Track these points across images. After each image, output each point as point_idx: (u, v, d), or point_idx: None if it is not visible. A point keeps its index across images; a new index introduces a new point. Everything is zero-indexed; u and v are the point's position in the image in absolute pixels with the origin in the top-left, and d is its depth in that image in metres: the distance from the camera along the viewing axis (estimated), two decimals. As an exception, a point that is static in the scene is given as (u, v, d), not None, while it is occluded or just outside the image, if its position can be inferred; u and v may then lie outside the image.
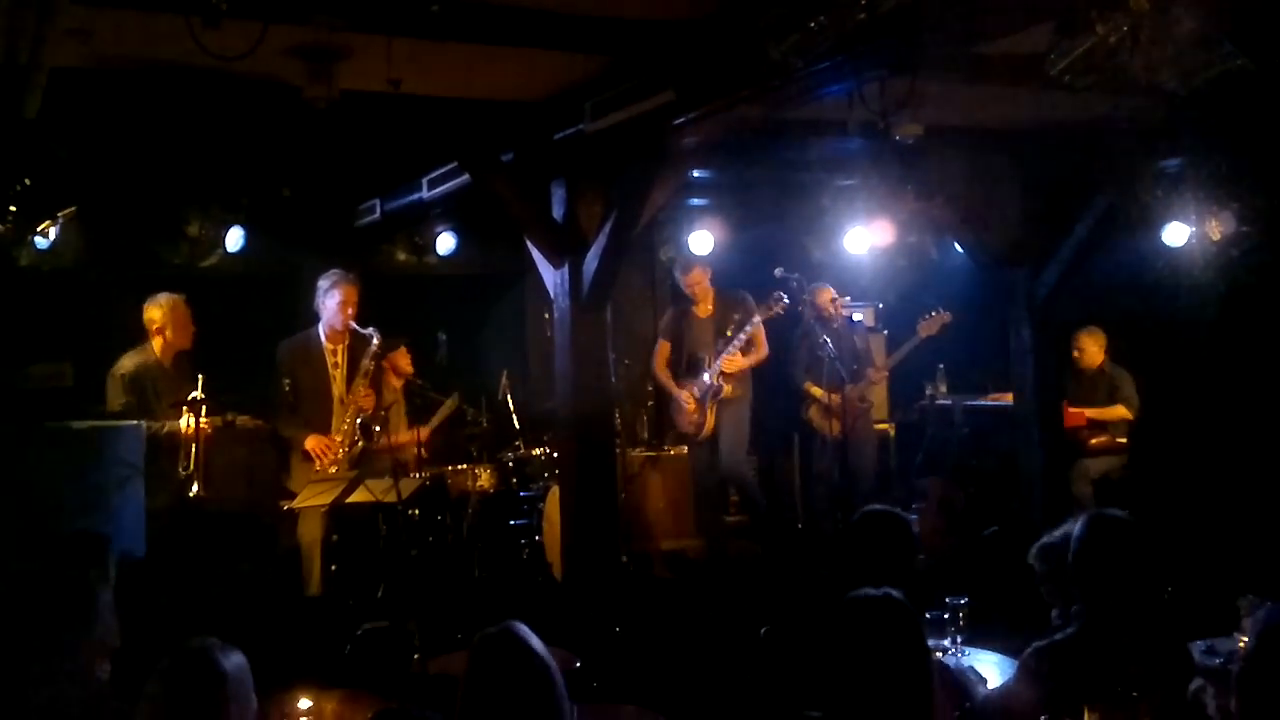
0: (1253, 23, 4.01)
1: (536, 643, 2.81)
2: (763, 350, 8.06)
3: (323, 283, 6.81)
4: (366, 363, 6.75)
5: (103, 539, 4.04)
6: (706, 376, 7.92)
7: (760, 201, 8.75)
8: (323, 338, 6.82)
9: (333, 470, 6.57)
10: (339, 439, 6.67)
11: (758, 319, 7.86)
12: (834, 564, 4.06)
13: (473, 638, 2.86)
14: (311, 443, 6.62)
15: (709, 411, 7.94)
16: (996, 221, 7.22)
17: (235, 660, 2.77)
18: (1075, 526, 3.56)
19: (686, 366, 8.06)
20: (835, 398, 7.93)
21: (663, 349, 8.24)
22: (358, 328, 6.68)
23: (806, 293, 7.87)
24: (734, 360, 7.90)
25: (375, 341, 6.68)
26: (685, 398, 8.00)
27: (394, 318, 7.98)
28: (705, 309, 8.11)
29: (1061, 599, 4.02)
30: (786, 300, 7.77)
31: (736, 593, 7.27)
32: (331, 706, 4.35)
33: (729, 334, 7.89)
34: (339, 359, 6.85)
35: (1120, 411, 8.04)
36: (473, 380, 8.35)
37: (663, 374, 8.22)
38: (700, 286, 8.04)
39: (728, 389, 7.93)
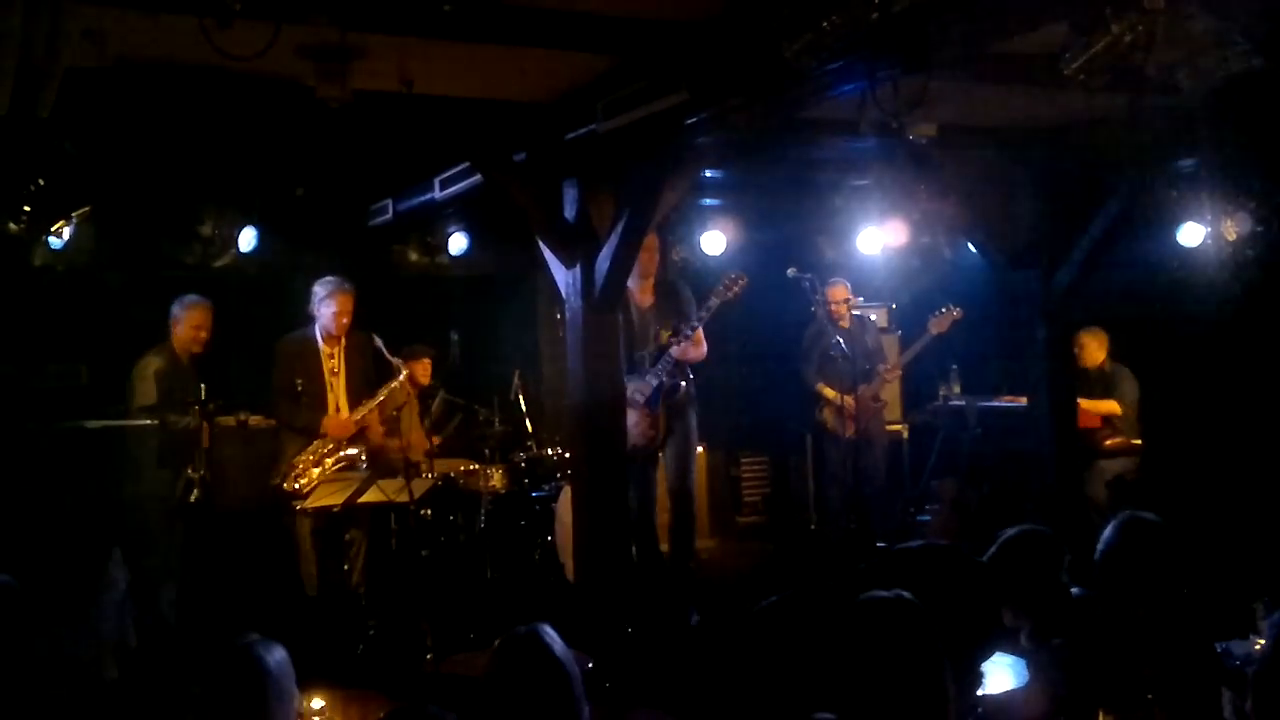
0: (1268, 21, 3.98)
1: (560, 647, 2.82)
2: (702, 347, 7.16)
3: (318, 290, 6.81)
4: (388, 398, 6.78)
5: (107, 540, 4.06)
6: (652, 377, 6.97)
7: (773, 201, 8.73)
8: (319, 340, 6.84)
9: (338, 457, 6.59)
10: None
11: (715, 301, 6.98)
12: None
13: (497, 638, 2.87)
14: (330, 424, 6.67)
15: (660, 417, 7.04)
16: (1010, 221, 7.18)
17: (278, 656, 2.79)
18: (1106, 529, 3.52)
19: (627, 370, 6.91)
20: (849, 400, 7.91)
21: None
22: (386, 353, 6.64)
23: (819, 292, 7.85)
24: (685, 350, 6.99)
25: (402, 376, 6.75)
26: (633, 404, 6.93)
27: (406, 318, 8.01)
28: (646, 297, 7.17)
29: (1031, 617, 3.92)
30: (744, 280, 7.04)
31: (749, 594, 7.26)
32: (344, 706, 4.36)
33: (683, 326, 6.97)
34: (336, 363, 6.85)
35: (1110, 406, 8.01)
36: (485, 380, 8.36)
37: None
38: (648, 256, 7.02)
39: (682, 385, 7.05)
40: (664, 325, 7.10)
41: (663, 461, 7.20)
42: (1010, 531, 3.87)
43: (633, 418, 6.93)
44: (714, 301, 7.01)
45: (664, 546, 7.29)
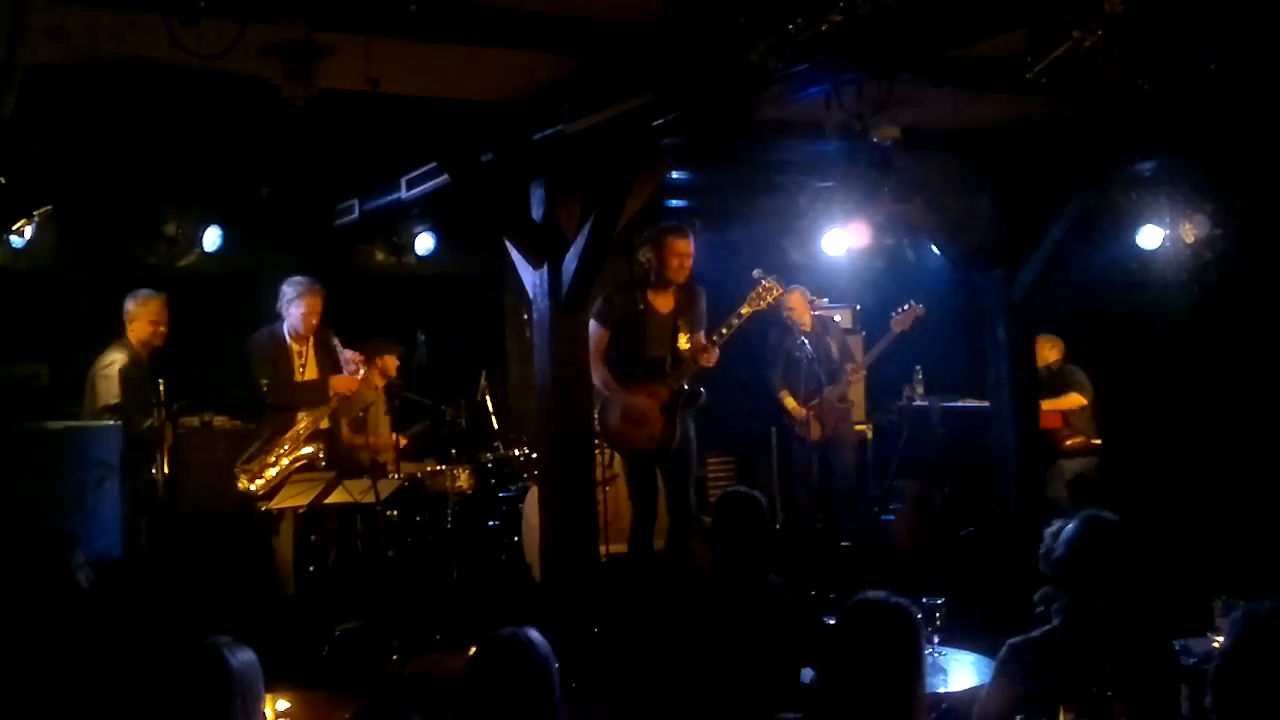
0: (1226, 27, 4.05)
1: (542, 649, 2.83)
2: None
3: (287, 290, 6.81)
4: (358, 400, 6.87)
5: (67, 538, 4.03)
6: (674, 381, 6.81)
7: (738, 203, 8.76)
8: (287, 338, 6.85)
9: (295, 456, 6.58)
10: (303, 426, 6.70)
11: (746, 309, 6.78)
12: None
13: (463, 639, 2.89)
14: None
15: (678, 421, 6.88)
16: (972, 223, 7.25)
17: (244, 658, 2.78)
18: (1068, 526, 3.58)
19: (645, 371, 6.87)
20: (804, 410, 7.96)
21: (601, 340, 6.81)
22: (343, 350, 6.74)
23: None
24: (712, 358, 6.80)
25: (361, 373, 6.83)
26: (648, 405, 6.81)
27: (372, 318, 7.98)
28: (666, 303, 6.92)
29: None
30: (778, 290, 6.86)
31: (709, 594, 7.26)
32: (309, 708, 4.34)
33: (712, 334, 6.81)
34: (305, 359, 6.88)
35: (1074, 399, 8.12)
36: (451, 381, 8.34)
37: (606, 373, 6.83)
38: (687, 263, 6.84)
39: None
40: (683, 329, 6.90)
41: (659, 468, 7.03)
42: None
43: (644, 421, 6.82)
44: (745, 310, 6.81)
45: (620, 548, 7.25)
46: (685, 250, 6.85)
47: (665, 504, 7.15)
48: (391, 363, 7.58)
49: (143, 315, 6.71)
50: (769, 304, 6.90)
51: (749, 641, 4.16)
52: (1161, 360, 8.24)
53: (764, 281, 6.85)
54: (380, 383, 7.51)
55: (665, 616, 4.62)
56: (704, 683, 4.16)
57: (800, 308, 8.15)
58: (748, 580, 4.33)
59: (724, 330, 6.85)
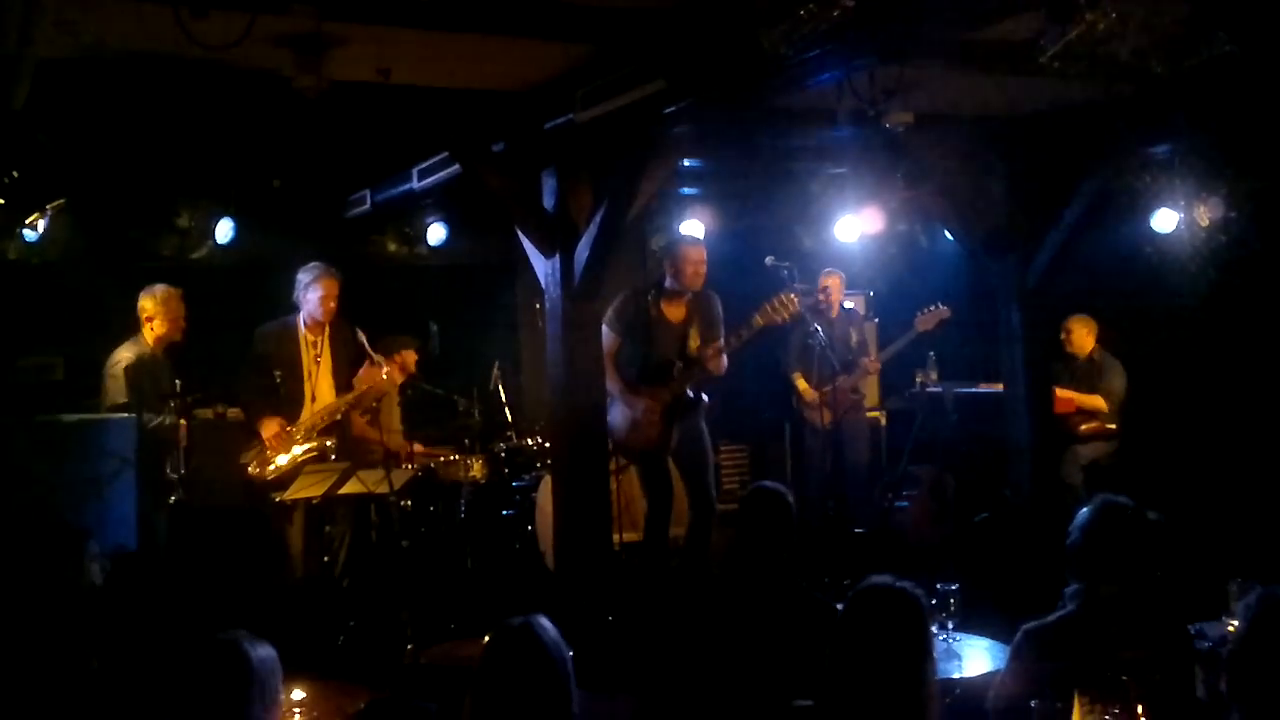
0: (1240, 8, 4.02)
1: (552, 638, 2.83)
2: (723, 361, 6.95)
3: (303, 276, 6.76)
4: (365, 394, 6.76)
5: (81, 532, 4.04)
6: (677, 386, 6.85)
7: (751, 190, 8.75)
8: (302, 327, 6.79)
9: (284, 463, 6.54)
10: (297, 432, 6.62)
11: (758, 320, 6.72)
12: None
13: (478, 628, 2.88)
14: (270, 429, 6.54)
15: (676, 425, 6.93)
16: (986, 208, 7.23)
17: (263, 653, 2.78)
18: (1082, 511, 3.57)
19: (652, 373, 6.92)
20: (818, 395, 7.94)
21: (613, 346, 6.86)
22: (369, 349, 6.65)
23: (799, 282, 7.85)
24: (720, 365, 6.86)
25: (384, 373, 6.72)
26: (648, 408, 6.85)
27: (385, 309, 7.98)
28: (677, 311, 6.98)
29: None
30: (795, 307, 6.74)
31: (721, 582, 7.27)
32: (325, 697, 4.36)
33: (718, 341, 6.84)
34: (320, 350, 6.80)
35: (1096, 401, 8.05)
36: (465, 371, 8.34)
37: (615, 376, 6.87)
38: (701, 270, 6.89)
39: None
40: (694, 336, 6.92)
41: (675, 464, 7.11)
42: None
43: (642, 424, 6.86)
44: (758, 320, 6.75)
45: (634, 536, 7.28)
46: (700, 259, 6.91)
47: (686, 497, 7.20)
48: (410, 357, 7.56)
49: (165, 312, 6.68)
50: (784, 320, 6.85)
51: (768, 633, 4.15)
52: (1176, 344, 8.20)
53: (782, 296, 6.78)
54: (400, 378, 7.49)
55: (685, 607, 4.62)
56: (724, 673, 4.16)
57: (836, 291, 8.16)
58: (769, 575, 4.32)
59: (733, 339, 6.87)
